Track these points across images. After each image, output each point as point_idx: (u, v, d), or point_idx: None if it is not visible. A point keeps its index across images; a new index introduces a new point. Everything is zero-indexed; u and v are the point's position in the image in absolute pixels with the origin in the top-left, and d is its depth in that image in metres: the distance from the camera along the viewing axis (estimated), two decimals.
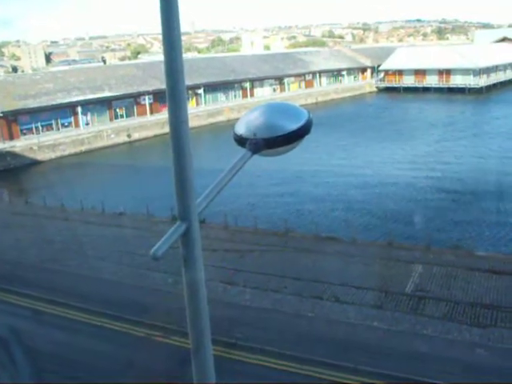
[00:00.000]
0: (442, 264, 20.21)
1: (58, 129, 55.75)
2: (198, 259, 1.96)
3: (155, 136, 56.47)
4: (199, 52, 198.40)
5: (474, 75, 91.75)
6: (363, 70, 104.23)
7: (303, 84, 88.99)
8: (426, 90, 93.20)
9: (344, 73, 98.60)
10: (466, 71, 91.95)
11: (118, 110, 61.72)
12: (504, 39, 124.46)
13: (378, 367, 13.76)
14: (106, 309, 17.21)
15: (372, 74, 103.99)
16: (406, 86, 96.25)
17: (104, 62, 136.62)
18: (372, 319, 16.48)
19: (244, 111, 2.47)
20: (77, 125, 57.36)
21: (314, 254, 21.66)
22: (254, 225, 24.99)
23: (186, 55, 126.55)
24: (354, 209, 29.86)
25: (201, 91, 70.32)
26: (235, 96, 76.42)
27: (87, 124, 58.28)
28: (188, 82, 65.90)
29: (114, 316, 16.78)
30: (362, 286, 18.54)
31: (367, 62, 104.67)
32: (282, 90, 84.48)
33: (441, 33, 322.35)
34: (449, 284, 18.70)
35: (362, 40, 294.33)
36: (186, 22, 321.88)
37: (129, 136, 57.28)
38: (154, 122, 59.00)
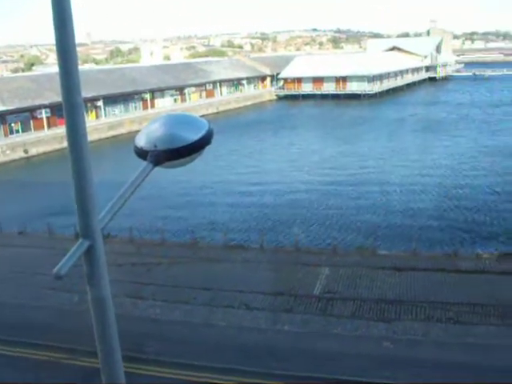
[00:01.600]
0: (348, 265, 20.88)
1: None
2: (103, 275, 1.91)
3: (54, 151, 54.41)
4: (97, 63, 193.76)
5: (369, 82, 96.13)
6: (263, 78, 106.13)
7: (204, 94, 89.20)
8: (325, 96, 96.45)
9: (244, 82, 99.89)
10: (361, 78, 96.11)
11: (12, 124, 58.83)
12: (393, 48, 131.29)
13: (290, 370, 13.96)
14: (5, 334, 16.26)
15: (272, 82, 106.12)
16: (304, 93, 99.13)
17: None
18: (282, 323, 16.72)
19: (145, 123, 2.43)
20: None
21: (223, 263, 21.68)
22: (161, 237, 24.65)
23: (83, 67, 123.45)
24: (265, 215, 30.16)
25: (100, 103, 68.59)
26: (136, 107, 75.23)
27: None
28: (86, 94, 64.16)
29: (13, 342, 15.86)
30: (272, 291, 18.78)
31: (267, 71, 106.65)
32: (183, 100, 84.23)
33: (336, 42, 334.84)
34: (355, 283, 19.35)
35: (260, 49, 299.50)
36: (82, 32, 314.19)
37: (26, 151, 54.79)
38: (51, 137, 56.81)
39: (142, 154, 2.16)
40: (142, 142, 2.18)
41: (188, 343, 15.69)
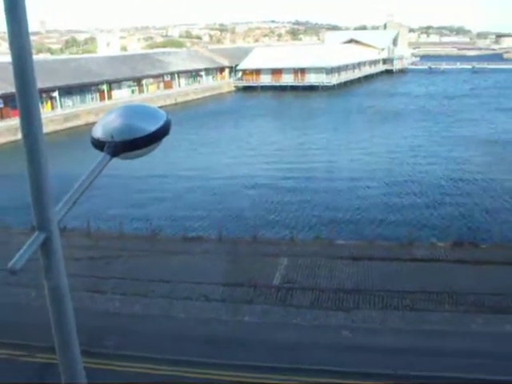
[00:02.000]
0: (307, 255, 21.09)
1: None
2: (60, 269, 1.88)
3: (9, 142, 52.99)
4: (52, 53, 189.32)
5: (327, 74, 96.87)
6: (221, 69, 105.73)
7: (162, 85, 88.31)
8: (283, 88, 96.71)
9: (202, 73, 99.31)
10: (319, 70, 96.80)
11: None
12: (351, 41, 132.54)
13: (251, 360, 14.06)
14: None
15: (230, 73, 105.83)
16: (263, 84, 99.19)
17: None
18: (243, 314, 16.80)
19: (102, 114, 2.40)
20: None
21: (182, 255, 21.59)
22: (119, 230, 24.38)
23: (38, 56, 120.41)
24: (226, 207, 30.10)
25: (56, 94, 67.08)
26: (92, 99, 73.90)
27: None
28: (41, 84, 62.75)
29: None
30: (231, 282, 18.82)
31: (225, 62, 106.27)
32: (141, 91, 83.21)
33: (294, 33, 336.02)
34: (314, 273, 19.57)
35: (219, 40, 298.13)
36: (36, 20, 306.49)
37: None
38: (5, 129, 55.26)
39: (98, 145, 2.13)
40: (98, 133, 2.16)
41: (148, 336, 15.60)
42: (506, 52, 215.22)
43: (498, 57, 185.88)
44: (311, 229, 26.00)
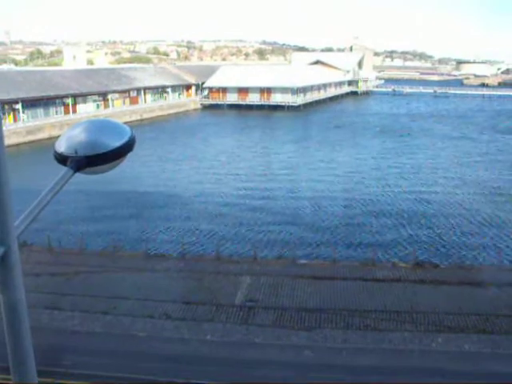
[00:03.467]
0: (269, 274, 21.10)
1: None
2: (18, 284, 1.84)
3: None
4: (16, 64, 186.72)
5: (293, 94, 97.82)
6: (188, 87, 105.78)
7: (128, 101, 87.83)
8: (249, 107, 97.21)
9: (169, 90, 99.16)
10: (285, 90, 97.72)
11: None
12: (317, 62, 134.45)
13: (211, 379, 13.94)
14: None
15: (197, 91, 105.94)
16: (229, 103, 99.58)
17: None
18: (204, 333, 16.66)
19: (66, 128, 2.38)
20: None
21: (144, 273, 21.37)
22: (81, 246, 24.00)
23: (2, 67, 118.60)
24: (186, 226, 29.91)
25: (18, 106, 65.99)
26: (56, 112, 72.91)
27: None
28: (3, 95, 61.77)
29: None
30: (193, 301, 18.67)
31: (192, 80, 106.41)
32: (106, 106, 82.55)
33: (262, 53, 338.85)
34: (276, 292, 19.57)
35: (186, 58, 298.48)
36: (1, 31, 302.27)
37: None
38: None
39: (61, 159, 2.11)
40: (62, 147, 2.13)
41: (108, 355, 15.33)
42: (466, 78, 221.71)
43: (458, 82, 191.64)
44: (274, 247, 25.96)
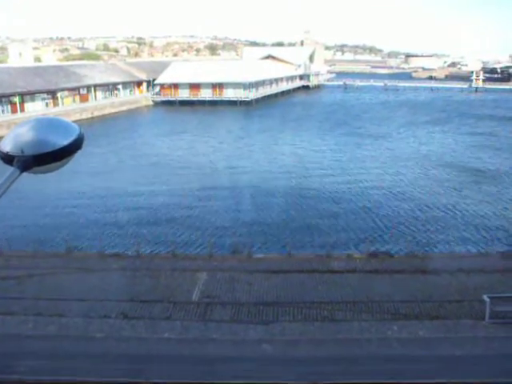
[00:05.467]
0: (225, 269, 21.12)
1: None
2: None
3: None
4: None
5: (245, 89, 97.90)
6: (139, 83, 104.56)
7: (78, 98, 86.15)
8: (201, 102, 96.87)
9: (120, 87, 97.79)
10: (237, 85, 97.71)
11: None
12: (269, 57, 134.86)
13: (171, 377, 13.88)
14: None
15: (148, 87, 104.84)
16: (181, 99, 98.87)
17: None
18: (162, 331, 16.56)
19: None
20: None
21: (99, 272, 21.06)
22: (33, 248, 23.40)
23: None
24: (142, 223, 29.59)
25: None
26: (3, 111, 70.87)
27: None
28: None
29: None
30: (150, 299, 18.52)
31: (143, 76, 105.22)
32: (56, 104, 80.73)
33: (213, 49, 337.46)
34: (233, 287, 19.60)
35: (137, 54, 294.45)
36: None
37: None
38: None
39: (7, 159, 2.06)
40: (8, 146, 2.09)
41: (64, 358, 15.04)
42: (415, 71, 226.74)
43: (407, 75, 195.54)
44: (229, 242, 25.95)
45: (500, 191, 36.51)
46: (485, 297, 16.88)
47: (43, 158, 2.07)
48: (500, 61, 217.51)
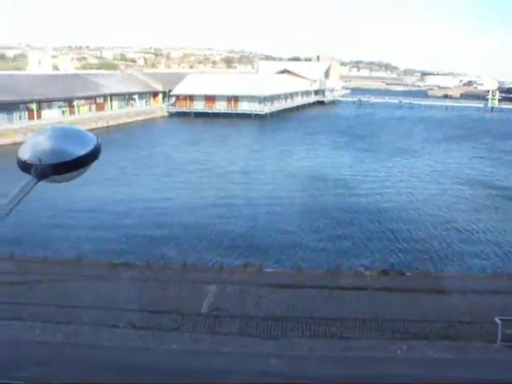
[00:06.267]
0: (235, 282, 21.03)
1: None
2: None
3: None
4: None
5: (260, 102, 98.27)
6: (155, 94, 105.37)
7: (94, 107, 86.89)
8: (216, 115, 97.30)
9: (136, 97, 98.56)
10: (252, 98, 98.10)
11: None
12: (284, 71, 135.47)
13: None
14: None
15: (164, 98, 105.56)
16: (196, 111, 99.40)
17: None
18: (170, 343, 16.48)
19: (30, 133, 2.32)
20: None
21: (109, 281, 21.06)
22: (44, 254, 23.49)
23: None
24: (156, 234, 29.62)
25: None
26: (20, 117, 71.64)
27: None
28: None
29: None
30: (159, 309, 18.46)
31: (159, 87, 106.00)
32: (72, 112, 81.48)
33: (229, 62, 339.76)
34: (242, 301, 19.50)
35: (154, 65, 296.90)
36: None
37: None
38: None
39: (25, 167, 2.07)
40: (25, 154, 2.09)
41: (70, 366, 14.98)
42: (430, 89, 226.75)
43: (422, 93, 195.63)
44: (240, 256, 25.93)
45: None
46: (496, 319, 16.65)
47: (61, 167, 2.06)
48: None
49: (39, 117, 74.17)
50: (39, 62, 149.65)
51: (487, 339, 16.69)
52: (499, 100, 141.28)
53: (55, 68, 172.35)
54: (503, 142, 75.43)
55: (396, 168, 52.68)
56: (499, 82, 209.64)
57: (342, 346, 16.49)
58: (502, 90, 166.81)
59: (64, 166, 2.07)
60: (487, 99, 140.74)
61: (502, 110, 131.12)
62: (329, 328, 17.51)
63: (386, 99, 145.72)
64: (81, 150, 2.12)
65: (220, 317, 18.15)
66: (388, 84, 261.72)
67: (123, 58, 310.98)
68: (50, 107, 77.50)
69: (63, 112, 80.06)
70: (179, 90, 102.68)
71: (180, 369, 15.02)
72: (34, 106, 73.54)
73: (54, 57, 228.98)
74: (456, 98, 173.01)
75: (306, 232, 30.27)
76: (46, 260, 23.18)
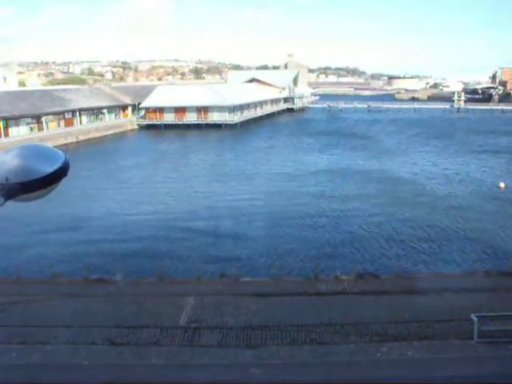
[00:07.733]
0: (213, 293, 20.92)
1: None
2: None
3: None
4: None
5: (229, 112, 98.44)
6: (124, 107, 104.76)
7: (63, 122, 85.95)
8: (187, 126, 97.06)
9: (105, 111, 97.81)
10: (222, 108, 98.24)
11: None
12: (253, 80, 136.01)
13: None
14: None
15: (133, 111, 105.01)
16: (166, 123, 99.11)
17: None
18: (149, 357, 16.30)
19: None
20: None
21: (85, 298, 20.76)
22: (17, 274, 23.02)
23: None
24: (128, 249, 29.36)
25: None
26: None
27: None
28: None
29: None
30: (137, 324, 18.26)
31: (128, 100, 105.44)
32: (40, 128, 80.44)
33: (197, 72, 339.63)
34: (220, 312, 19.39)
35: (122, 78, 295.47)
36: None
37: None
38: None
39: None
40: None
41: None
42: (398, 93, 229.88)
43: (390, 97, 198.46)
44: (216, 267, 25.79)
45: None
46: (473, 316, 16.86)
47: (28, 185, 2.03)
48: (480, 81, 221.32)
49: (6, 134, 73.01)
50: (4, 78, 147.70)
51: (464, 336, 16.89)
52: (464, 101, 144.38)
53: (22, 84, 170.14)
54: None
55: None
56: (464, 84, 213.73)
57: (323, 351, 16.50)
58: (467, 91, 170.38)
59: (32, 184, 2.03)
60: (453, 100, 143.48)
61: (467, 110, 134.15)
62: (308, 334, 17.51)
63: (355, 104, 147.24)
64: (49, 168, 2.08)
65: (199, 329, 18.03)
66: (356, 89, 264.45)
67: (91, 72, 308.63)
68: (17, 124, 76.39)
69: (31, 129, 78.97)
70: (148, 102, 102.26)
71: (160, 383, 14.86)
72: (0, 124, 72.38)
73: (19, 73, 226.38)
74: (423, 101, 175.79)
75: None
76: (20, 280, 22.74)
